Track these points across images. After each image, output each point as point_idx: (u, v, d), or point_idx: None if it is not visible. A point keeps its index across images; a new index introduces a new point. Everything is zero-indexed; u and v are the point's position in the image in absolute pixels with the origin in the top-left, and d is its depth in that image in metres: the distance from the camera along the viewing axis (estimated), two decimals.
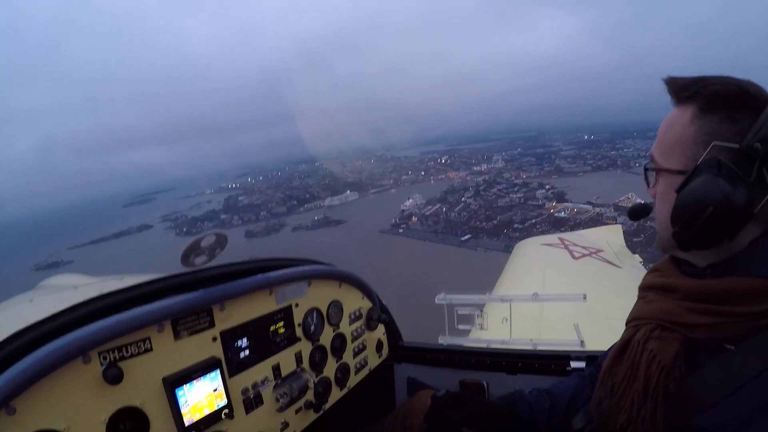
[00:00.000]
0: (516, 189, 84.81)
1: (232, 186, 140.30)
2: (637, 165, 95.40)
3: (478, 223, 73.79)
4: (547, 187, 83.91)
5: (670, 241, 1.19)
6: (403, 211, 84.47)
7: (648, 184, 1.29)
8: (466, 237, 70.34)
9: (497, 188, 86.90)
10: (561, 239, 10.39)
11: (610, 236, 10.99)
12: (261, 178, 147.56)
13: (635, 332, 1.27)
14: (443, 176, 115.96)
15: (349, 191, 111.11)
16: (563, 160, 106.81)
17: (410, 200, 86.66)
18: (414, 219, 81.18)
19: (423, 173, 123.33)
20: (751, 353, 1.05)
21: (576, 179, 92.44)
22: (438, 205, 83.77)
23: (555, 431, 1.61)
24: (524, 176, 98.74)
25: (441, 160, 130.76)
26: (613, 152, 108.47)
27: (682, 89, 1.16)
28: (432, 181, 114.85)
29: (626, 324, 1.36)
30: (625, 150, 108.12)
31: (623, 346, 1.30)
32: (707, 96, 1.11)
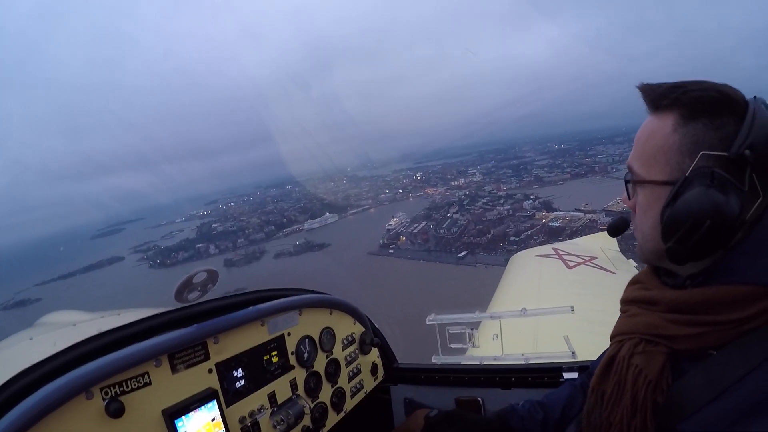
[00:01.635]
0: (502, 201, 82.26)
1: (203, 213, 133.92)
2: (614, 170, 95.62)
3: (471, 238, 70.81)
4: (532, 197, 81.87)
5: (654, 253, 1.19)
6: (388, 230, 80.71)
7: (629, 196, 1.27)
8: (463, 254, 67.50)
9: (482, 201, 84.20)
10: (555, 249, 10.24)
11: (604, 242, 10.55)
12: (232, 203, 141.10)
13: (620, 348, 1.26)
14: (422, 193, 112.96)
15: (328, 213, 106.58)
16: (541, 170, 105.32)
17: (395, 219, 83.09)
18: (402, 238, 77.63)
19: (401, 191, 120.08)
20: (732, 358, 1.04)
21: (557, 188, 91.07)
22: (424, 223, 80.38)
23: None
24: (505, 188, 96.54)
25: (416, 177, 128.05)
26: (587, 159, 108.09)
27: (660, 97, 1.12)
28: (411, 199, 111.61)
29: (610, 339, 1.35)
30: (599, 156, 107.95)
31: (609, 362, 1.29)
32: (688, 103, 1.08)
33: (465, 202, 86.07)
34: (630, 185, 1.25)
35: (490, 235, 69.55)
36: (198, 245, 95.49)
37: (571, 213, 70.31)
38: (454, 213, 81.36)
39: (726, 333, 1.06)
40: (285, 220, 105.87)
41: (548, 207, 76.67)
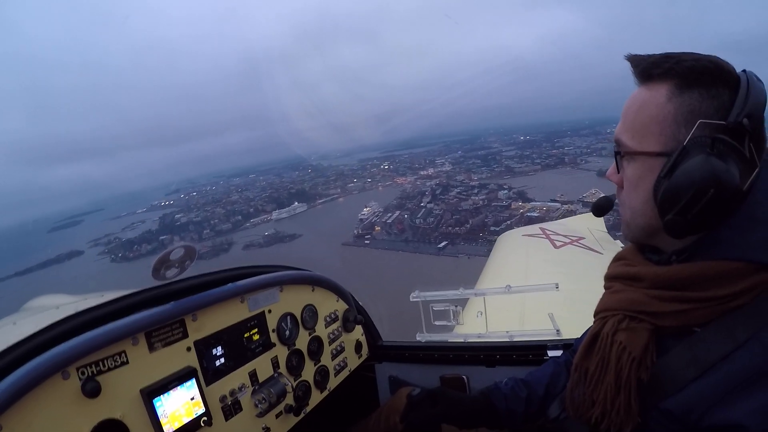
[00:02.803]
0: (476, 191, 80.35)
1: (164, 203, 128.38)
2: (583, 162, 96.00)
3: (449, 228, 68.33)
4: (506, 187, 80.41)
5: (644, 229, 1.16)
6: (362, 220, 77.39)
7: (618, 169, 1.21)
8: (443, 244, 64.81)
9: (455, 191, 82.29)
10: (542, 229, 10.10)
11: (592, 223, 10.25)
12: (195, 193, 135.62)
13: (603, 325, 1.23)
14: (391, 182, 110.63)
15: (296, 202, 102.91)
16: (510, 161, 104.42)
17: (367, 208, 79.98)
18: (377, 228, 74.43)
19: (369, 180, 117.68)
20: (718, 335, 1.02)
21: (528, 178, 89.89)
22: (398, 212, 77.69)
23: (532, 420, 1.63)
24: (476, 178, 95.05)
25: (384, 167, 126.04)
26: (555, 151, 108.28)
27: (653, 66, 1.08)
28: (380, 188, 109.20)
29: (594, 316, 1.33)
30: (567, 148, 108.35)
31: (592, 339, 1.26)
32: (682, 72, 1.04)
33: (438, 192, 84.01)
34: (618, 158, 1.18)
35: (468, 225, 67.38)
36: (162, 237, 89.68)
37: (548, 203, 68.87)
38: (427, 203, 79.05)
39: (711, 310, 1.04)
40: (252, 209, 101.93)
41: (523, 197, 75.15)
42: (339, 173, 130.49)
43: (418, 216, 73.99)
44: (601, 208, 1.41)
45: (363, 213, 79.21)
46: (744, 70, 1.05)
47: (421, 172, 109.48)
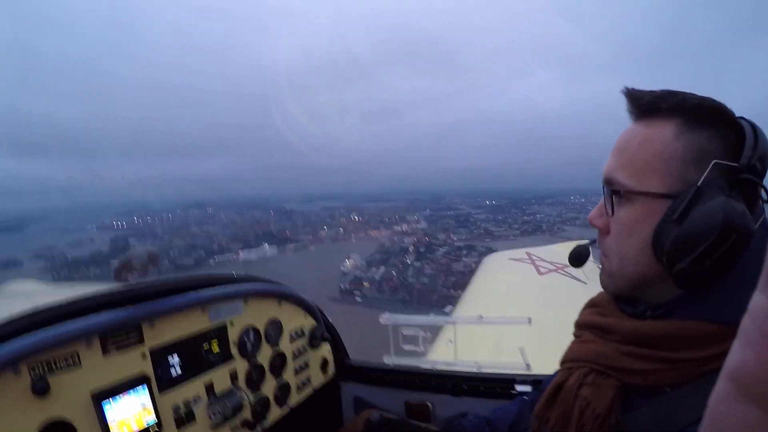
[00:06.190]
0: (464, 252, 74.81)
1: (116, 224, 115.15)
2: (559, 230, 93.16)
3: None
4: (495, 249, 74.13)
5: (633, 280, 1.02)
6: (344, 273, 68.94)
7: (612, 211, 1.03)
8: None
9: (442, 251, 76.34)
10: (528, 254, 9.99)
11: None
12: (150, 219, 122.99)
13: (568, 376, 1.11)
14: (364, 235, 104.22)
15: (266, 244, 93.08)
16: (487, 224, 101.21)
17: (350, 261, 71.63)
18: (366, 284, 66.29)
19: (342, 230, 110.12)
20: (687, 399, 0.90)
21: (511, 242, 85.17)
22: (383, 269, 70.08)
23: None
24: (455, 238, 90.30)
25: (355, 218, 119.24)
26: (527, 217, 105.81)
27: (658, 100, 0.96)
28: (354, 240, 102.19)
29: (560, 365, 1.20)
30: (538, 216, 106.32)
31: (555, 389, 1.14)
32: (690, 110, 0.94)
33: (421, 250, 77.50)
34: (614, 199, 1.01)
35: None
36: (112, 260, 77.05)
37: None
38: (413, 261, 72.21)
39: (685, 371, 0.92)
40: (215, 246, 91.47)
41: None
42: (306, 219, 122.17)
43: (409, 275, 67.00)
44: (579, 257, 1.29)
45: (345, 266, 70.69)
46: (742, 117, 0.95)
47: (396, 227, 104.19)
